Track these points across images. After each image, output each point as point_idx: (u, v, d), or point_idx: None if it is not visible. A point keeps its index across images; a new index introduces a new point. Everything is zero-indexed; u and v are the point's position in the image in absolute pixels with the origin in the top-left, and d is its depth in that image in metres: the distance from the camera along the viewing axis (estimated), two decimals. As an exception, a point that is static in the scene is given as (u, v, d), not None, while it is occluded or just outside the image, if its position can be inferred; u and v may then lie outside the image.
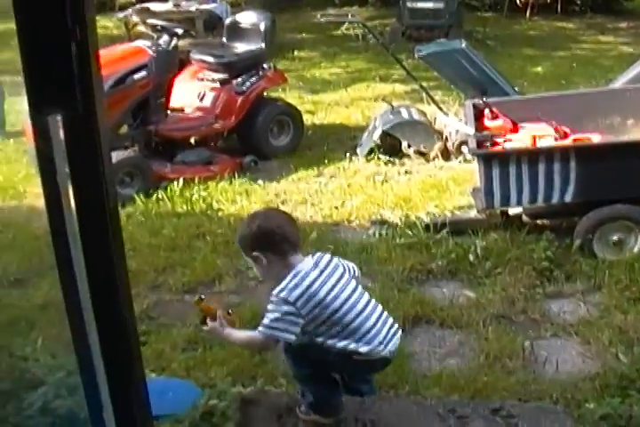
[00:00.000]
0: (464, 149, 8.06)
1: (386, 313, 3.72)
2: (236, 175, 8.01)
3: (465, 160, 8.07)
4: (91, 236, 1.91)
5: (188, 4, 13.17)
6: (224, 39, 9.33)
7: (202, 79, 8.80)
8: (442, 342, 5.10)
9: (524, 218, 6.46)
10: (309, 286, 3.46)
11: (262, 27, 8.90)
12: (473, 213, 6.58)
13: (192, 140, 8.30)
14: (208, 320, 3.70)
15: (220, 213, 7.19)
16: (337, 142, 9.27)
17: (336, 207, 7.25)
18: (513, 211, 6.45)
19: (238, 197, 7.51)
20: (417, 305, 5.40)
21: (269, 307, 3.48)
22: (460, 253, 6.05)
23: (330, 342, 3.53)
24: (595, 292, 5.63)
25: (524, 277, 5.73)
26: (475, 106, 6.85)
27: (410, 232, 6.42)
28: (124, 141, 7.83)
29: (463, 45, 8.09)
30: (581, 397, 4.33)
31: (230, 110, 8.53)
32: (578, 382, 4.54)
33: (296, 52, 14.55)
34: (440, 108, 8.55)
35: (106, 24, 16.86)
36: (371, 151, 8.43)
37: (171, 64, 8.12)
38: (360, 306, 3.58)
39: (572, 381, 4.56)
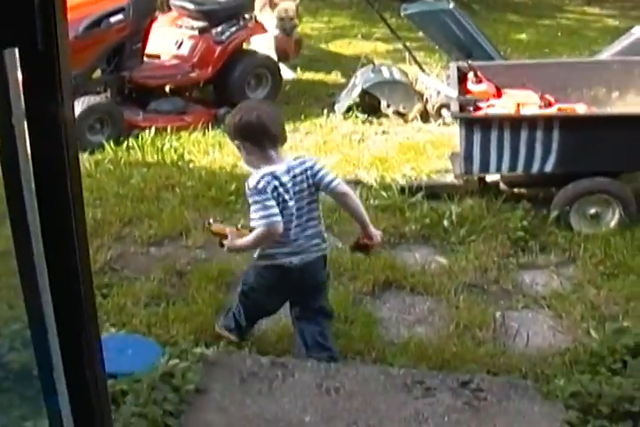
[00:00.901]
0: (444, 111, 7.92)
1: (317, 231, 4.09)
2: (210, 127, 7.77)
3: (444, 123, 7.93)
4: (46, 186, 1.74)
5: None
6: (206, -14, 9.07)
7: (180, 26, 8.54)
8: (411, 309, 4.99)
9: (502, 186, 6.34)
10: (276, 187, 3.85)
11: (247, -24, 8.66)
12: (450, 178, 6.46)
13: (167, 89, 8.09)
14: (223, 241, 4.04)
15: (191, 165, 6.99)
16: (314, 98, 9.07)
17: (311, 165, 7.05)
18: (490, 178, 6.32)
19: (211, 149, 7.31)
20: (387, 270, 5.27)
21: (250, 202, 3.88)
22: (434, 219, 5.92)
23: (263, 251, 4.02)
24: (569, 265, 5.52)
25: (498, 246, 5.61)
26: (459, 68, 6.69)
27: (384, 194, 6.27)
28: (97, 87, 7.61)
29: (451, 6, 7.90)
30: (551, 372, 4.23)
31: (208, 60, 8.29)
32: (548, 356, 4.45)
33: (278, 5, 14.24)
34: (422, 69, 8.37)
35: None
36: (349, 109, 8.25)
37: (149, 9, 7.89)
38: (301, 220, 3.98)
39: (542, 355, 4.47)
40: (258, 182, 3.83)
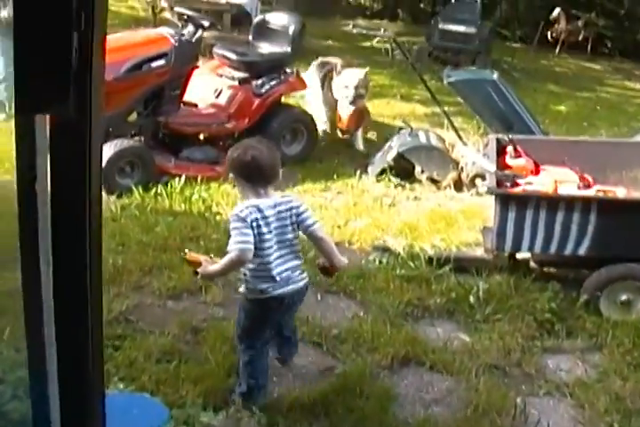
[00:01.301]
0: (478, 181, 7.81)
1: (298, 263, 4.35)
2: (240, 180, 7.68)
3: (477, 193, 7.81)
4: (64, 250, 1.63)
5: (220, -4, 12.91)
6: (250, 37, 9.05)
7: (221, 75, 8.51)
8: (429, 388, 4.80)
9: (532, 264, 6.18)
10: (257, 219, 4.10)
11: (291, 30, 8.62)
12: (479, 252, 6.30)
13: (201, 137, 8.02)
14: (197, 269, 4.28)
15: (217, 218, 6.88)
16: (349, 157, 8.97)
17: (339, 226, 6.94)
18: (521, 255, 6.16)
19: (239, 203, 7.18)
20: (408, 344, 5.11)
21: (230, 228, 4.14)
22: (460, 293, 5.77)
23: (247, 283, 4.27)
24: (595, 352, 5.33)
25: (523, 327, 5.43)
26: (498, 141, 6.57)
27: (411, 264, 6.13)
28: (131, 129, 7.55)
29: (495, 76, 7.82)
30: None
31: (245, 111, 8.24)
32: (568, 451, 4.28)
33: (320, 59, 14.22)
34: (460, 137, 8.28)
35: (133, 4, 16.68)
36: (382, 172, 8.16)
37: (191, 56, 7.85)
38: (281, 253, 4.24)
39: (562, 449, 4.29)
40: (241, 211, 4.12)
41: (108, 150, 7.06)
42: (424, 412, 4.55)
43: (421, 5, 20.37)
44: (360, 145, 9.18)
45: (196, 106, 8.23)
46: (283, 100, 8.86)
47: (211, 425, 3.91)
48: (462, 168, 8.05)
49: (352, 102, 8.95)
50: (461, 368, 4.95)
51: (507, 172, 6.16)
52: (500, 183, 5.92)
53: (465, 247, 6.56)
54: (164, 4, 11.52)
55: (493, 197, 5.68)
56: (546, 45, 18.01)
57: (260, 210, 4.13)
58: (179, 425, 3.78)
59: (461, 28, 15.00)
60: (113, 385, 4.45)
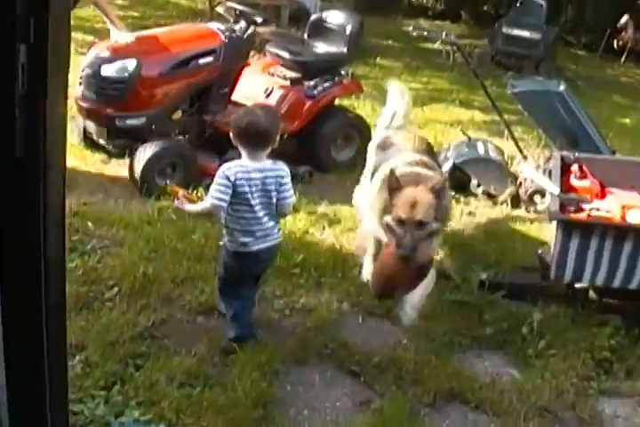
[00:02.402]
0: (537, 198, 7.37)
1: (274, 224, 4.76)
2: (286, 185, 7.30)
3: (535, 211, 7.38)
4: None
5: (279, -9, 12.55)
6: (305, 36, 8.67)
7: (272, 74, 8.14)
8: (474, 430, 4.41)
9: (592, 293, 5.72)
10: (241, 179, 4.50)
11: (348, 29, 8.20)
12: (535, 278, 5.83)
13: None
14: (175, 200, 4.83)
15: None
16: (402, 166, 8.55)
17: (387, 242, 6.53)
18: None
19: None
20: (454, 378, 4.71)
21: (214, 181, 4.57)
22: (512, 323, 5.35)
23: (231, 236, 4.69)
24: (657, 397, 4.90)
25: (579, 365, 5.00)
26: (563, 159, 6.12)
27: (462, 287, 5.71)
28: (175, 128, 7.22)
29: (562, 88, 7.34)
30: None
31: (296, 113, 7.86)
32: None
33: (378, 59, 13.84)
34: (520, 150, 7.87)
35: (194, -4, 16.46)
36: (436, 183, 7.71)
37: (242, 53, 7.50)
38: (264, 212, 4.64)
39: None
40: (228, 169, 4.55)
41: (149, 150, 6.77)
42: (466, 458, 4.17)
43: (485, 7, 19.87)
44: None
45: (244, 105, 7.86)
46: (336, 102, 8.47)
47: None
48: (521, 183, 7.62)
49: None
50: (509, 409, 4.55)
51: (571, 195, 5.71)
52: (563, 207, 5.48)
53: (520, 272, 6.09)
54: (221, -3, 11.16)
55: (555, 222, 5.24)
56: (611, 54, 17.47)
57: (246, 171, 4.54)
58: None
59: (526, 34, 14.57)
60: (129, 411, 4.12)
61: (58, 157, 1.12)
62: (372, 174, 5.83)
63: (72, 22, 1.29)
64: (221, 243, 4.80)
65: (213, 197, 4.53)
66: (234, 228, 4.65)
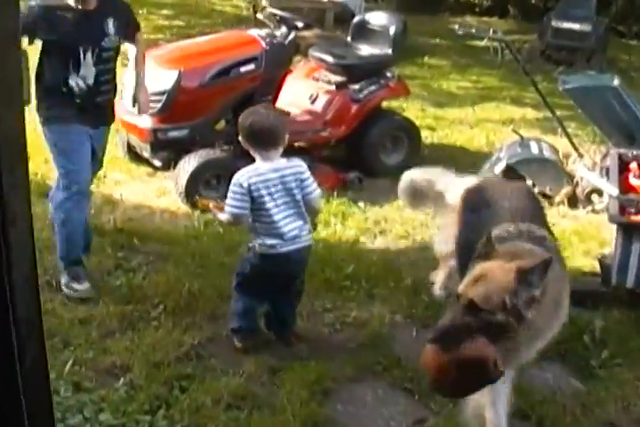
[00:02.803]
0: (594, 197, 7.11)
1: (303, 223, 4.66)
2: (336, 192, 7.12)
3: (593, 211, 7.12)
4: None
5: (323, -7, 12.40)
6: (349, 38, 8.50)
7: (317, 79, 7.99)
8: (536, 451, 4.20)
9: (656, 298, 5.46)
10: (256, 183, 4.50)
11: (392, 31, 8.02)
12: (596, 282, 5.59)
13: (295, 146, 7.49)
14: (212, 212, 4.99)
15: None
16: (454, 168, 8.32)
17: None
18: (644, 286, 5.45)
19: (333, 219, 6.66)
20: (513, 392, 4.48)
21: (229, 191, 4.58)
22: (573, 332, 5.08)
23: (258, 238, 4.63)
24: None
25: (646, 375, 4.77)
26: (620, 157, 5.87)
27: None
28: (219, 139, 7.08)
29: (616, 83, 7.05)
30: None
31: (342, 118, 7.70)
32: None
33: (426, 59, 13.61)
34: (575, 148, 7.59)
35: (238, 3, 16.37)
36: (490, 185, 7.49)
37: (284, 59, 7.35)
38: (288, 213, 4.59)
39: None
40: (241, 176, 4.53)
41: (193, 161, 6.66)
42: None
43: (532, 1, 19.51)
44: None
45: (289, 113, 7.72)
46: (383, 105, 8.28)
47: None
48: (577, 182, 7.35)
49: None
50: (573, 425, 4.32)
51: (631, 196, 5.45)
52: (622, 209, 5.23)
53: (579, 276, 5.84)
54: (265, 3, 11.03)
55: (615, 225, 5.01)
56: (664, 43, 17.07)
57: (260, 174, 4.53)
58: None
59: (576, 26, 14.19)
60: (175, 435, 3.99)
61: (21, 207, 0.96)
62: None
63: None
64: (250, 245, 4.73)
65: (230, 205, 4.54)
66: (260, 231, 4.62)
